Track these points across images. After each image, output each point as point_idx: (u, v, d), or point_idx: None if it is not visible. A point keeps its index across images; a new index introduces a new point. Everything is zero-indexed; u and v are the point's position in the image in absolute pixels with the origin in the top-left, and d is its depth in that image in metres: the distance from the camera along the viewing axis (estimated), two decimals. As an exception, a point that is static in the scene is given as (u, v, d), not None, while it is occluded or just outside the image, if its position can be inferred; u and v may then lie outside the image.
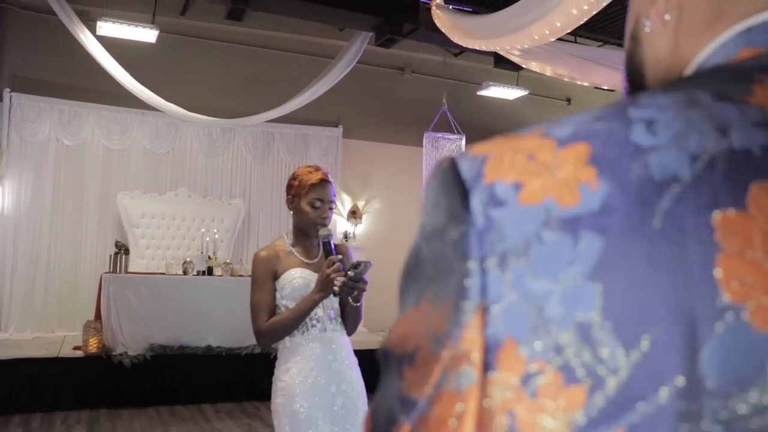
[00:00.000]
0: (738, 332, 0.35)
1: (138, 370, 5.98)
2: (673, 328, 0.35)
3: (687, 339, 0.35)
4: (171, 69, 7.55)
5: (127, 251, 6.65)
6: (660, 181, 0.37)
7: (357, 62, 7.03)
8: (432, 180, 0.44)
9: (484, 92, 8.40)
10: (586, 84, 5.54)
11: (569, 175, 0.38)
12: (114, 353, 6.04)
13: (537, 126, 0.42)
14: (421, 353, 0.42)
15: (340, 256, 2.39)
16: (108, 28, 6.39)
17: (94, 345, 6.07)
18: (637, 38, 0.53)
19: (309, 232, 2.50)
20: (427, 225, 0.44)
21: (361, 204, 8.87)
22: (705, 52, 0.46)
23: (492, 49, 5.10)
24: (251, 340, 6.48)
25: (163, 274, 6.80)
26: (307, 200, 2.46)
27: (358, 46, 6.85)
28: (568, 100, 9.68)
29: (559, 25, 3.59)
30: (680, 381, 0.35)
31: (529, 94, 8.53)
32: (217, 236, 7.51)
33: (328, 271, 2.33)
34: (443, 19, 5.51)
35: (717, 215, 0.36)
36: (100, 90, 7.30)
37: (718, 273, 0.35)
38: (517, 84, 8.23)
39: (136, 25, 6.44)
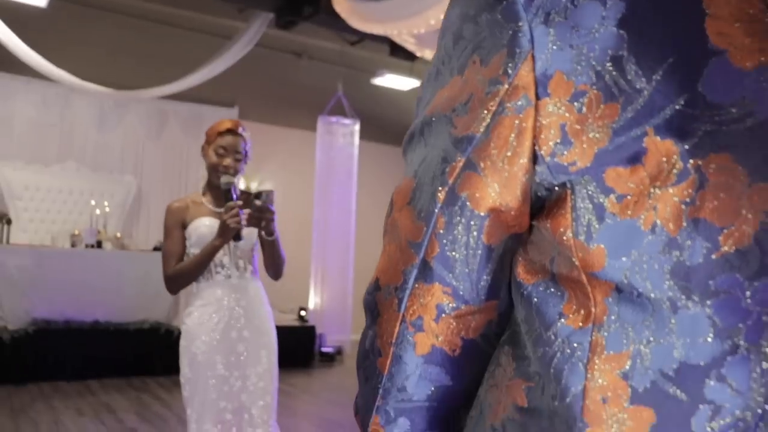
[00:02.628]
0: (723, 68, 0.46)
1: (18, 344, 5.77)
2: (678, 62, 0.46)
3: (687, 70, 0.46)
4: (62, 37, 7.28)
5: (9, 222, 6.38)
6: None
7: (255, 45, 7.07)
8: None
9: (378, 81, 8.64)
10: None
11: None
12: (-8, 327, 5.81)
13: None
14: (475, 99, 0.52)
15: (239, 203, 2.44)
16: (-8, -13, 6.11)
17: (-29, 318, 5.80)
18: None
19: (212, 179, 2.55)
20: (468, 10, 0.54)
21: (254, 185, 8.91)
22: None
23: (388, 33, 5.33)
24: (141, 315, 6.42)
25: (49, 246, 6.58)
26: (213, 147, 2.53)
27: (257, 27, 6.90)
28: (458, 95, 10.09)
29: (452, 11, 3.85)
30: (686, 95, 0.46)
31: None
32: (108, 210, 7.32)
33: (226, 216, 2.39)
34: (342, 4, 5.68)
35: None
36: (-19, 54, 6.94)
37: (706, 28, 0.46)
38: (412, 74, 8.54)
39: (25, -13, 6.19)
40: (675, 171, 0.46)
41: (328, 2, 5.93)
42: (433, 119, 0.56)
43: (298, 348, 7.29)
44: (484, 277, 0.55)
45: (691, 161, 0.46)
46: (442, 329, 0.57)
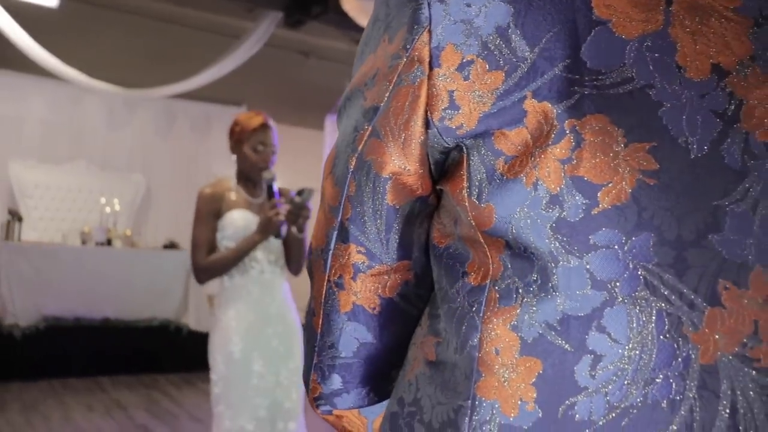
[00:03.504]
0: (606, 37, 0.49)
1: (29, 341, 5.81)
2: (562, 31, 0.49)
3: (570, 39, 0.49)
4: (72, 37, 7.32)
5: (20, 219, 6.42)
6: None
7: (263, 45, 7.10)
8: None
9: (386, 80, 8.66)
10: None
11: None
12: (3, 324, 5.84)
13: None
14: (380, 73, 0.56)
15: (282, 199, 2.46)
16: (5, -13, 6.16)
17: (-18, 315, 5.85)
18: None
19: (253, 176, 2.56)
20: None
21: (262, 185, 8.95)
22: None
23: (398, 33, 5.34)
24: (150, 313, 6.46)
25: (60, 244, 6.63)
26: (250, 145, 2.52)
27: (266, 26, 6.93)
28: (465, 94, 10.10)
29: None
30: (568, 61, 0.49)
31: (429, 85, 8.85)
32: (117, 209, 7.37)
33: (270, 213, 2.40)
34: (351, 3, 5.70)
35: None
36: (-7, 53, 7.00)
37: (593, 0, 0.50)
38: (419, 74, 8.55)
39: (37, -13, 6.24)
40: (553, 131, 0.49)
41: (336, 1, 5.95)
42: (351, 94, 0.61)
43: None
44: (393, 236, 0.59)
45: (567, 121, 0.49)
46: (360, 287, 0.61)
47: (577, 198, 0.49)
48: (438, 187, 0.59)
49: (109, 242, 6.72)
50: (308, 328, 0.66)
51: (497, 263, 0.53)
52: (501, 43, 0.50)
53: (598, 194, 0.48)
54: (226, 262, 2.47)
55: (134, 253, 6.67)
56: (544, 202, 0.49)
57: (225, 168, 8.45)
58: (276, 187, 2.51)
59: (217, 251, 2.53)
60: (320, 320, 0.64)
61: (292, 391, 2.53)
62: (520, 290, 0.51)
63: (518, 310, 0.51)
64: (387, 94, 0.55)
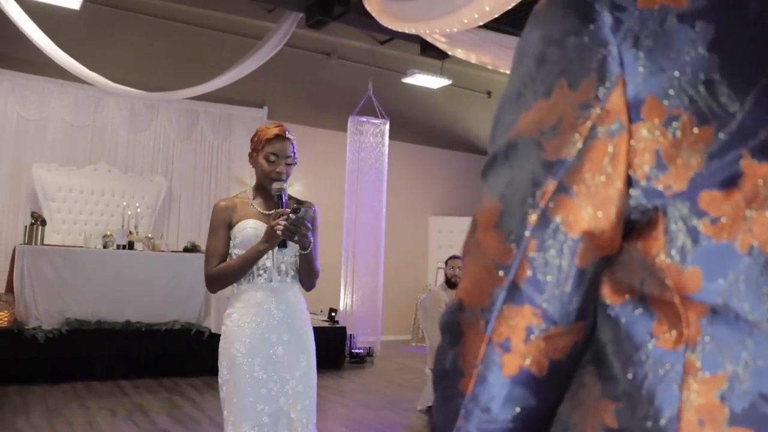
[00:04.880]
0: None
1: (52, 344, 5.83)
2: None
3: None
4: (94, 40, 7.35)
5: (44, 222, 6.45)
6: None
7: (284, 45, 7.06)
8: (547, 4, 0.56)
9: (409, 80, 8.59)
10: (508, 73, 5.78)
11: None
12: (27, 327, 5.87)
13: None
14: (565, 123, 0.53)
15: (288, 210, 2.44)
16: (28, -9, 6.18)
17: (5, 319, 5.86)
18: None
19: (265, 185, 2.56)
20: (552, 33, 0.55)
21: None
22: None
23: (420, 32, 5.27)
24: (171, 316, 6.45)
25: (82, 247, 6.64)
26: (263, 154, 2.54)
27: (287, 26, 6.88)
28: (488, 93, 10.01)
29: (487, 8, 3.79)
30: None
31: (451, 84, 8.78)
32: (138, 211, 7.38)
33: (273, 223, 2.41)
34: (373, 3, 5.64)
35: None
36: (17, 56, 7.04)
37: None
38: (441, 74, 8.47)
39: (59, -10, 6.25)
40: None
41: (358, 1, 5.89)
42: (519, 142, 0.56)
43: (329, 349, 7.26)
44: (575, 299, 0.55)
45: None
46: (531, 351, 0.57)
47: None
48: (621, 243, 0.56)
49: (130, 245, 6.72)
50: (448, 388, 0.61)
51: (695, 326, 0.49)
52: (708, 96, 0.48)
53: None
54: (234, 270, 2.50)
55: (156, 257, 6.68)
56: (761, 267, 0.47)
57: (246, 170, 8.45)
58: (285, 198, 2.52)
59: (229, 260, 2.56)
60: (472, 382, 0.59)
61: (298, 402, 2.51)
62: (728, 356, 0.48)
63: (727, 379, 0.48)
64: (578, 147, 0.52)
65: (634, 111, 0.50)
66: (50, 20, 6.47)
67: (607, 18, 0.50)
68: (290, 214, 2.42)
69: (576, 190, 0.52)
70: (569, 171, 0.52)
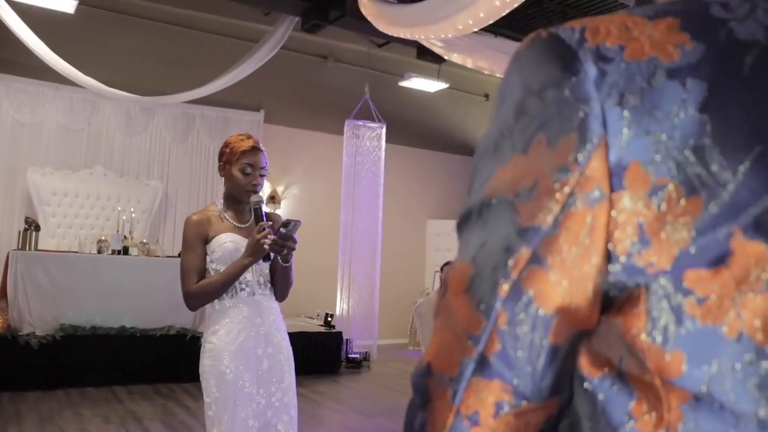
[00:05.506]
0: None
1: (46, 351, 5.80)
2: (766, 152, 0.43)
3: None
4: (89, 43, 7.31)
5: (38, 228, 6.41)
6: (744, 41, 0.46)
7: (280, 48, 7.03)
8: (529, 47, 0.51)
9: (406, 83, 8.56)
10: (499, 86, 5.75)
11: (665, 39, 0.46)
12: (20, 333, 5.84)
13: (617, 12, 0.50)
14: (541, 186, 0.48)
15: (270, 222, 2.45)
16: (22, -6, 6.14)
17: (-1, 324, 5.84)
18: None
19: (240, 198, 2.55)
20: (532, 82, 0.50)
21: (280, 189, 8.89)
22: None
23: (416, 37, 5.24)
24: (166, 321, 6.42)
25: (77, 252, 6.60)
26: (238, 167, 2.51)
27: (283, 30, 6.85)
28: (486, 96, 9.99)
29: (482, 15, 3.76)
30: None
31: (449, 87, 8.75)
32: (133, 216, 7.34)
33: (258, 236, 2.39)
34: (369, 7, 5.61)
35: None
36: (11, 60, 7.00)
37: None
38: (438, 77, 8.44)
39: (54, -7, 6.20)
40: (765, 276, 0.43)
41: (354, 5, 5.86)
42: (494, 201, 0.52)
43: (325, 354, 7.24)
44: (548, 375, 0.52)
45: None
46: (500, 426, 0.53)
47: None
48: (600, 317, 0.51)
49: (125, 250, 6.69)
50: None
51: (676, 412, 0.46)
52: (698, 163, 0.44)
53: None
54: (217, 286, 2.45)
55: (151, 262, 6.64)
56: (750, 355, 0.43)
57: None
58: (264, 210, 2.51)
59: (207, 275, 2.51)
60: None
61: (283, 413, 2.51)
62: None
63: None
64: (554, 216, 0.47)
65: (616, 178, 0.45)
66: (45, 24, 6.44)
67: (591, 70, 0.46)
68: (280, 228, 2.40)
69: (550, 262, 0.48)
70: (544, 240, 0.48)
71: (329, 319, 7.76)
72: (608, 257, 0.47)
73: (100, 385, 5.97)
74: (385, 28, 5.38)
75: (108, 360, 6.08)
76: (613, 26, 0.48)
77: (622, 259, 0.46)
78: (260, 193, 2.54)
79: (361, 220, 8.09)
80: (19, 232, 6.40)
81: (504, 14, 3.79)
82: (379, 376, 7.39)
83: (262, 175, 2.55)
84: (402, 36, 5.25)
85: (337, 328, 7.65)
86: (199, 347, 6.81)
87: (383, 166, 8.20)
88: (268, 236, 2.40)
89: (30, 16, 6.19)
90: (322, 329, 7.50)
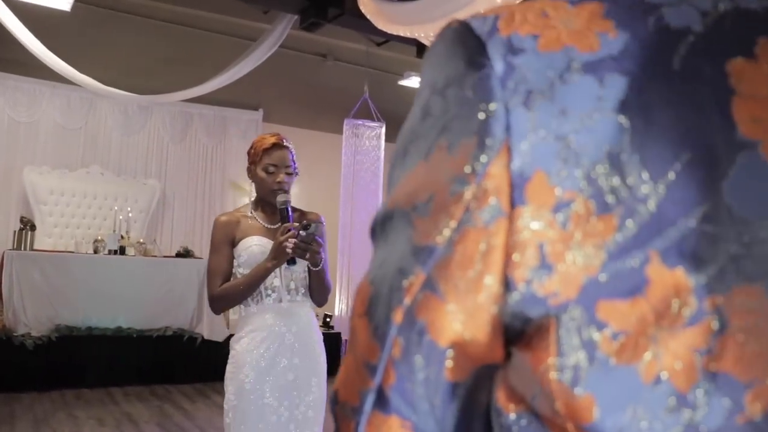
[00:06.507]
0: (755, 166, 0.37)
1: (41, 351, 5.74)
2: (695, 161, 0.37)
3: (709, 170, 0.37)
4: (86, 41, 7.25)
5: (33, 227, 6.36)
6: (675, 30, 0.39)
7: (279, 47, 6.97)
8: (440, 40, 0.45)
9: (405, 82, 8.51)
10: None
11: (586, 27, 0.40)
12: (15, 334, 5.78)
13: None
14: (437, 199, 0.42)
15: (295, 224, 2.33)
16: (18, -9, 6.08)
17: (-7, 325, 5.78)
18: None
19: (267, 198, 2.44)
20: (437, 79, 0.44)
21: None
22: None
23: (416, 35, 5.18)
24: (163, 322, 6.36)
25: (73, 252, 6.54)
26: (262, 166, 2.41)
27: (282, 28, 6.79)
28: (486, 96, 9.93)
29: (482, 12, 3.69)
30: (706, 208, 0.36)
31: (448, 87, 8.69)
32: (130, 215, 7.28)
33: (281, 238, 2.28)
34: (369, 5, 5.55)
35: (731, 63, 0.38)
36: (7, 58, 6.94)
37: (734, 112, 0.37)
38: (438, 76, 8.38)
39: (50, -10, 6.14)
40: (687, 310, 0.36)
41: (353, 3, 5.80)
42: (394, 214, 0.45)
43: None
44: (450, 413, 0.45)
45: (708, 299, 0.36)
46: None
47: (715, 400, 0.36)
48: (510, 348, 0.45)
49: (122, 250, 6.63)
50: None
51: None
52: (612, 174, 0.37)
53: (744, 396, 0.36)
54: (240, 290, 2.35)
55: (147, 262, 6.59)
56: (670, 403, 0.37)
57: (240, 173, 8.36)
58: (290, 210, 2.37)
59: (234, 280, 2.41)
60: None
61: (307, 429, 2.39)
62: None
63: None
64: (448, 234, 0.41)
65: (517, 191, 0.38)
66: (40, 21, 6.37)
67: (498, 64, 0.40)
68: (300, 231, 2.28)
69: (443, 288, 0.41)
70: (438, 263, 0.41)
71: (328, 319, 7.70)
72: (507, 285, 0.40)
73: (96, 386, 5.91)
74: (385, 26, 5.31)
75: (104, 361, 6.02)
76: (531, 13, 0.41)
77: (521, 287, 0.39)
78: (287, 192, 2.41)
79: (360, 220, 8.04)
80: (15, 231, 6.34)
81: (504, 12, 3.72)
82: (377, 378, 7.33)
83: (288, 173, 2.43)
84: (402, 34, 5.19)
85: (336, 329, 7.60)
86: (196, 348, 6.78)
87: (382, 165, 8.14)
88: (290, 241, 2.29)
89: (26, 13, 6.13)
90: (321, 330, 7.44)
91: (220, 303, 2.39)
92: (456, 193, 0.40)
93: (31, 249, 6.29)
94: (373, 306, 0.45)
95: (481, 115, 0.40)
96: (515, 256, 0.39)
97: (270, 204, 2.45)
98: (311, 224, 2.29)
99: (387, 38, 7.14)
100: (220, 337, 6.34)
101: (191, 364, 6.25)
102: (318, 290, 2.47)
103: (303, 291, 2.46)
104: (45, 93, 7.40)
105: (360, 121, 8.08)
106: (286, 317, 2.40)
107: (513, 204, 0.39)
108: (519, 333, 0.42)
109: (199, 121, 8.30)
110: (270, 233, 2.43)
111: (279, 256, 2.30)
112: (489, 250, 0.40)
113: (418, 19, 4.74)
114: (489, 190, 0.39)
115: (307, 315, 2.49)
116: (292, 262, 2.33)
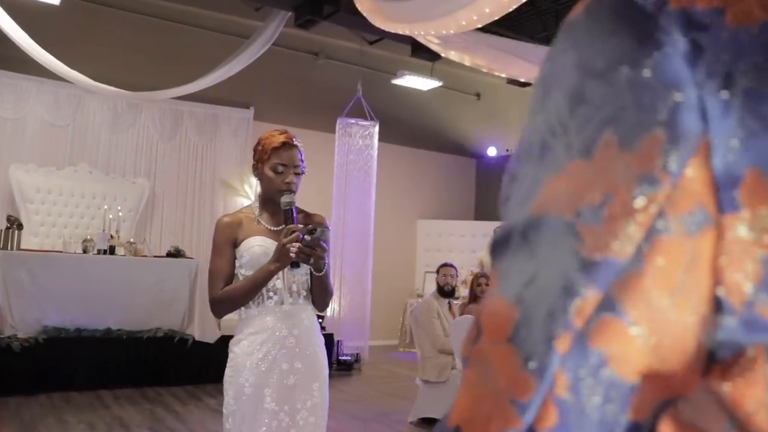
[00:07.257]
0: None
1: (28, 354, 5.61)
2: None
3: None
4: (75, 36, 7.12)
5: (20, 226, 6.22)
6: None
7: (272, 44, 6.88)
8: (587, 13, 0.38)
9: (398, 81, 8.45)
10: (503, 75, 5.65)
11: None
12: (1, 336, 5.64)
13: None
14: (614, 203, 0.35)
15: (300, 226, 2.25)
16: (5, -15, 5.94)
17: (-20, 327, 5.64)
18: None
19: (274, 198, 2.36)
20: (592, 59, 0.37)
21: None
22: None
23: (414, 33, 5.12)
24: (153, 323, 6.26)
25: (61, 252, 6.41)
26: (270, 165, 2.33)
27: (275, 25, 6.70)
28: (478, 95, 9.90)
29: (487, 11, 3.64)
30: None
31: (442, 86, 8.65)
32: (120, 214, 7.15)
33: (285, 240, 2.20)
34: (365, 2, 5.47)
35: None
36: (-7, 54, 6.80)
37: None
38: (432, 75, 8.33)
39: (38, -15, 6.02)
40: None
41: (348, 1, 5.73)
42: (545, 222, 0.37)
43: (316, 357, 7.11)
44: None
45: None
46: None
47: None
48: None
49: (111, 250, 6.51)
50: None
51: None
52: None
53: None
54: (242, 293, 2.28)
55: (137, 262, 6.47)
56: None
57: (231, 172, 8.27)
58: (295, 212, 2.30)
59: (236, 281, 2.34)
60: None
61: None
62: None
63: None
64: (635, 245, 0.34)
65: (725, 194, 0.33)
66: (29, 16, 6.24)
67: (680, 42, 0.33)
68: (306, 236, 2.20)
69: (630, 310, 0.35)
70: (622, 279, 0.35)
71: (320, 320, 7.62)
72: (718, 305, 0.34)
73: (85, 389, 5.79)
74: (382, 23, 5.24)
75: (93, 363, 5.89)
76: None
77: (739, 308, 0.33)
78: (294, 193, 2.34)
79: (352, 220, 7.97)
80: (1, 230, 6.20)
81: (510, 10, 3.67)
82: (371, 380, 7.27)
83: (297, 174, 2.35)
84: (400, 32, 5.12)
85: (328, 330, 7.52)
86: (187, 350, 6.68)
87: (375, 164, 8.08)
88: (294, 245, 2.22)
89: (14, 7, 6.00)
90: (313, 331, 7.37)
91: (222, 306, 2.32)
92: (643, 195, 0.34)
93: (18, 248, 6.15)
94: (523, 331, 0.38)
95: (669, 102, 0.33)
96: (730, 272, 0.33)
97: (275, 204, 2.38)
98: (317, 229, 2.22)
99: (381, 36, 7.08)
100: (211, 339, 6.24)
101: (182, 366, 6.15)
102: (319, 295, 2.41)
103: (305, 294, 2.40)
104: (32, 89, 7.25)
105: (353, 120, 8.01)
106: (287, 320, 2.34)
107: (722, 209, 0.33)
108: (713, 362, 0.36)
109: (189, 118, 8.18)
110: (274, 235, 2.37)
111: (282, 259, 2.23)
112: (693, 264, 0.34)
113: (417, 17, 4.68)
114: (690, 193, 0.33)
115: (309, 318, 2.41)
116: (295, 265, 2.26)
